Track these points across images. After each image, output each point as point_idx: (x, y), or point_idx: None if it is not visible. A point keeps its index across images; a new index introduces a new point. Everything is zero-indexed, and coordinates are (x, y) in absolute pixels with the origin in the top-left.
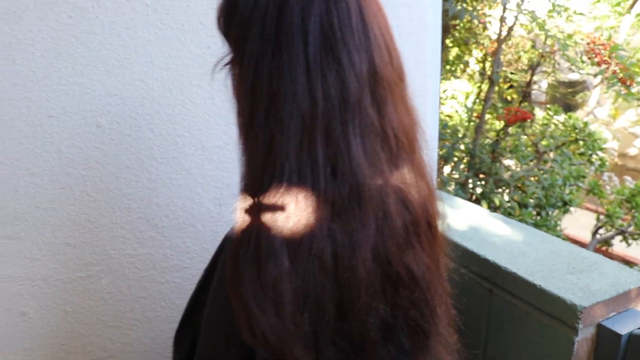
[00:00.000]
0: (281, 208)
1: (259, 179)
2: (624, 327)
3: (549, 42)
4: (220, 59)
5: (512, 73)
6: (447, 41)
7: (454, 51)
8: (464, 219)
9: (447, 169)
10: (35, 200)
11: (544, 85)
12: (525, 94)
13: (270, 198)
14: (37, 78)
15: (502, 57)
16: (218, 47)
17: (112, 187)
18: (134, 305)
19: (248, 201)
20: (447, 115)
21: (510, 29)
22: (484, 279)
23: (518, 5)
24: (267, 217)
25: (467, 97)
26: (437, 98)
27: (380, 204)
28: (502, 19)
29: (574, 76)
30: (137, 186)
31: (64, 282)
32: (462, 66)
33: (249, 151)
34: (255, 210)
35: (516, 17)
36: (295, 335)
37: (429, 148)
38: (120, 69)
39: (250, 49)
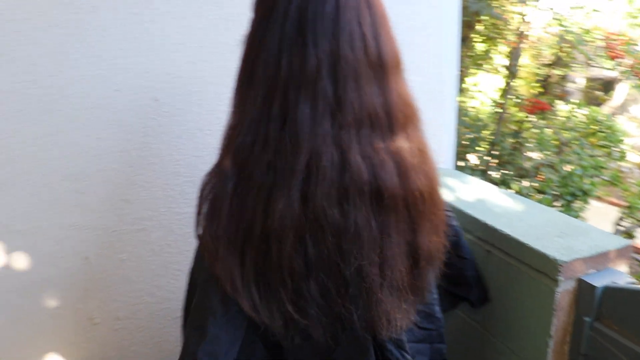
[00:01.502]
0: (241, 146)
1: (234, 125)
2: (600, 281)
3: (568, 37)
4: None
5: (538, 68)
6: (473, 36)
7: (483, 46)
8: (471, 192)
9: (472, 157)
10: (101, 160)
11: (580, 81)
12: (545, 87)
13: (236, 139)
14: (108, 58)
15: (530, 52)
16: None
17: (164, 153)
18: (179, 258)
19: (225, 141)
20: (472, 107)
21: (530, 24)
22: (483, 241)
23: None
24: (230, 152)
25: (499, 91)
26: (454, 87)
27: (315, 155)
28: (522, 15)
29: (609, 73)
30: (186, 153)
31: (120, 233)
32: (489, 60)
33: (234, 105)
34: (225, 147)
35: (535, 13)
36: (224, 238)
37: (443, 132)
38: (175, 52)
39: (252, 26)
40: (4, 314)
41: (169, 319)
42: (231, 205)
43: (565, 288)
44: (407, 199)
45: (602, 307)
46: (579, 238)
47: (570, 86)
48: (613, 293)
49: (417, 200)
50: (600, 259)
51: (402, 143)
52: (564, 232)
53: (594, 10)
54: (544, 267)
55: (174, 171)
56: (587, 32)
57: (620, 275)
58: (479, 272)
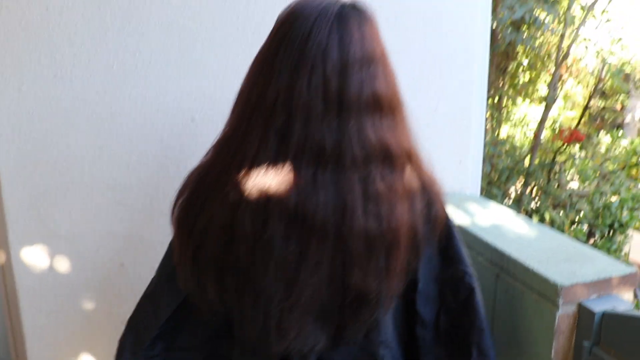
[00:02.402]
0: (209, 156)
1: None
2: (600, 307)
3: (607, 69)
4: None
5: (586, 98)
6: (516, 66)
7: (526, 76)
8: (489, 217)
9: (509, 186)
10: (140, 174)
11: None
12: (582, 116)
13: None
14: (151, 80)
15: (572, 82)
16: None
17: None
18: None
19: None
20: (511, 136)
21: (566, 55)
22: (493, 265)
23: (575, 32)
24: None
25: (536, 121)
26: (483, 114)
27: (251, 175)
28: (559, 46)
29: None
30: None
31: (154, 243)
32: (532, 90)
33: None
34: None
35: (571, 43)
36: (177, 221)
37: (470, 160)
38: (213, 77)
39: None
40: (44, 314)
41: None
42: (187, 200)
43: (565, 312)
44: (342, 234)
45: (601, 332)
46: (584, 264)
47: (627, 117)
48: (612, 319)
49: (355, 238)
50: (602, 285)
51: (351, 181)
52: (570, 259)
53: (632, 41)
54: (545, 291)
55: None
56: (626, 63)
57: (622, 302)
58: (487, 346)
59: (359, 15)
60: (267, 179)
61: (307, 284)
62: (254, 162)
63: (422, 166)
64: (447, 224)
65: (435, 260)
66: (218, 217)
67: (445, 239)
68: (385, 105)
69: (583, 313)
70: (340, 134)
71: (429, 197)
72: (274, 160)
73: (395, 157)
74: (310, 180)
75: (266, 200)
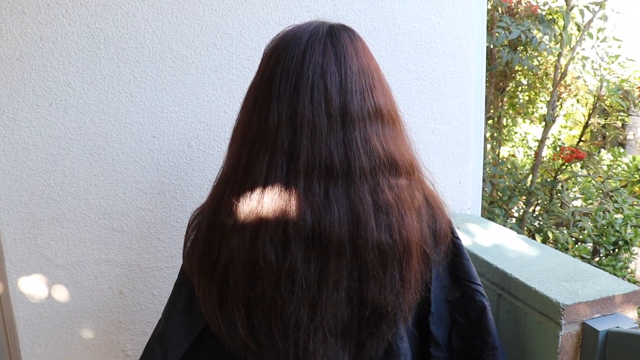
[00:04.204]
0: (216, 192)
1: (220, 175)
2: (604, 326)
3: (604, 87)
4: None
5: (584, 115)
6: (515, 86)
7: (525, 96)
8: (489, 238)
9: (511, 206)
10: (137, 201)
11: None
12: (582, 134)
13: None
14: (146, 107)
15: (570, 101)
16: None
17: (196, 195)
18: None
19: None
20: (513, 156)
21: (563, 74)
22: (495, 285)
23: (572, 51)
24: (211, 196)
25: (537, 140)
26: (482, 134)
27: (265, 201)
28: (556, 65)
29: None
30: None
31: (153, 269)
32: (532, 109)
33: (225, 158)
34: (210, 192)
35: (568, 63)
36: (198, 266)
37: (469, 180)
38: (208, 102)
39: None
40: (42, 344)
41: None
42: (204, 241)
43: (568, 331)
44: (357, 248)
45: (605, 351)
46: (586, 283)
47: (629, 134)
48: (616, 338)
49: (369, 250)
50: (605, 304)
51: (362, 193)
52: (572, 277)
53: (629, 60)
54: (547, 311)
55: None
56: (624, 80)
57: (626, 320)
58: None
59: (349, 32)
60: (282, 203)
61: (329, 304)
62: (266, 188)
63: (424, 179)
64: (453, 240)
65: (445, 280)
66: (238, 253)
67: (453, 255)
68: (385, 115)
69: (587, 332)
70: (347, 146)
71: (433, 210)
72: (286, 183)
73: (400, 166)
74: (324, 197)
75: (284, 225)
